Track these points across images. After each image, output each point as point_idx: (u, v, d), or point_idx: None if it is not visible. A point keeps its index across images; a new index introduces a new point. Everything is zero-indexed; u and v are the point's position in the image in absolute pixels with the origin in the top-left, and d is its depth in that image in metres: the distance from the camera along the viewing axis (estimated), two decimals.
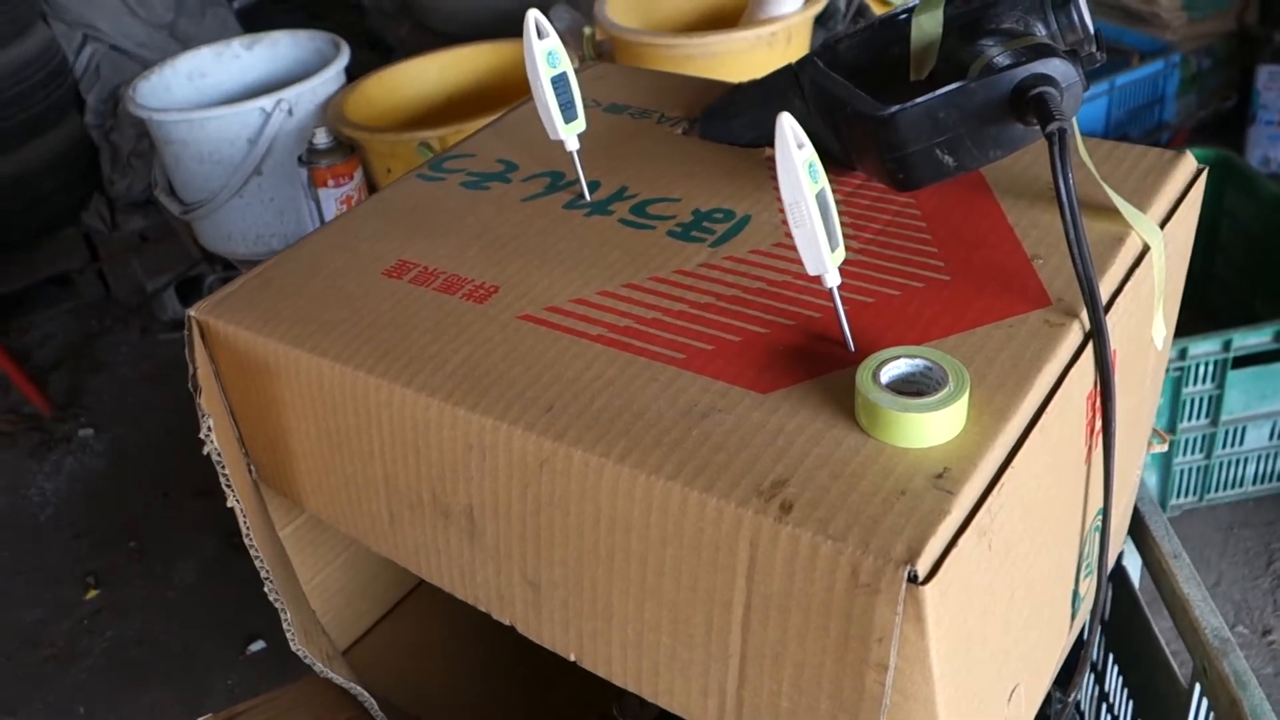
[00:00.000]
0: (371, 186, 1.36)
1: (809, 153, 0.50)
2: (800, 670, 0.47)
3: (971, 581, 0.46)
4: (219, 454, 0.60)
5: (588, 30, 1.39)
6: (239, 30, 2.33)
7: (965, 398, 0.48)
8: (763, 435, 0.49)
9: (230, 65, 1.66)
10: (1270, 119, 2.03)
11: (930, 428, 0.47)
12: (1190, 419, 1.39)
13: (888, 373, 0.49)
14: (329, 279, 0.65)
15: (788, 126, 0.49)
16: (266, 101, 1.43)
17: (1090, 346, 0.54)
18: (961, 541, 0.44)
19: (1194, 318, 1.71)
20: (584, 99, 0.80)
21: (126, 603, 1.55)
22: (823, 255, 0.51)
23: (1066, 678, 1.00)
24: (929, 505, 0.45)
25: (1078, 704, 0.99)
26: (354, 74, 1.52)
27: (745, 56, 1.30)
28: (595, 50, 1.40)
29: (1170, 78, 2.06)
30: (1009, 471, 0.47)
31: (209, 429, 0.60)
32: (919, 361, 0.50)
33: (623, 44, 1.35)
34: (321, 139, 1.31)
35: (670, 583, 0.50)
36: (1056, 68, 0.55)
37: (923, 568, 0.43)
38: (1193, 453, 1.42)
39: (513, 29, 0.72)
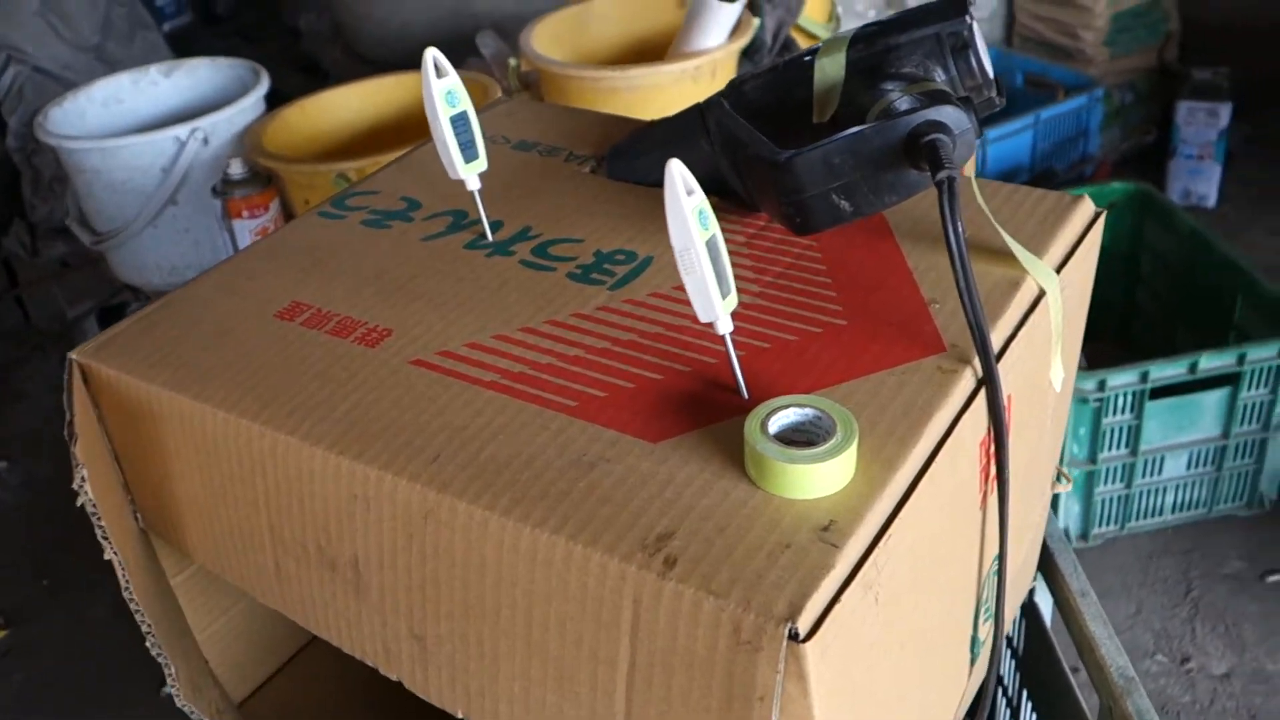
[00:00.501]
0: (289, 218, 1.34)
1: (699, 199, 0.49)
2: None
3: (857, 636, 0.45)
4: (94, 505, 0.58)
5: (513, 61, 1.38)
6: (168, 54, 2.29)
7: (853, 447, 0.47)
8: (651, 486, 0.48)
9: (148, 92, 1.63)
10: (1190, 153, 2.08)
11: (817, 478, 0.47)
12: (1110, 449, 1.40)
13: (776, 422, 0.49)
14: (217, 321, 0.63)
15: (676, 173, 0.49)
16: (181, 130, 1.41)
17: (983, 393, 0.53)
18: (845, 596, 0.43)
19: (1116, 349, 1.74)
20: (493, 135, 0.80)
21: (38, 642, 1.50)
22: (713, 302, 0.50)
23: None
24: (813, 559, 0.44)
25: None
26: (288, 99, 1.50)
27: (671, 90, 1.30)
28: (521, 81, 1.40)
29: (1094, 112, 2.10)
30: (897, 522, 0.47)
31: (83, 479, 0.57)
32: (808, 410, 0.49)
33: (547, 75, 1.35)
34: (236, 169, 1.28)
35: (555, 639, 0.49)
36: (949, 115, 0.55)
37: (804, 624, 0.42)
38: (1113, 482, 1.44)
39: None
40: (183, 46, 2.50)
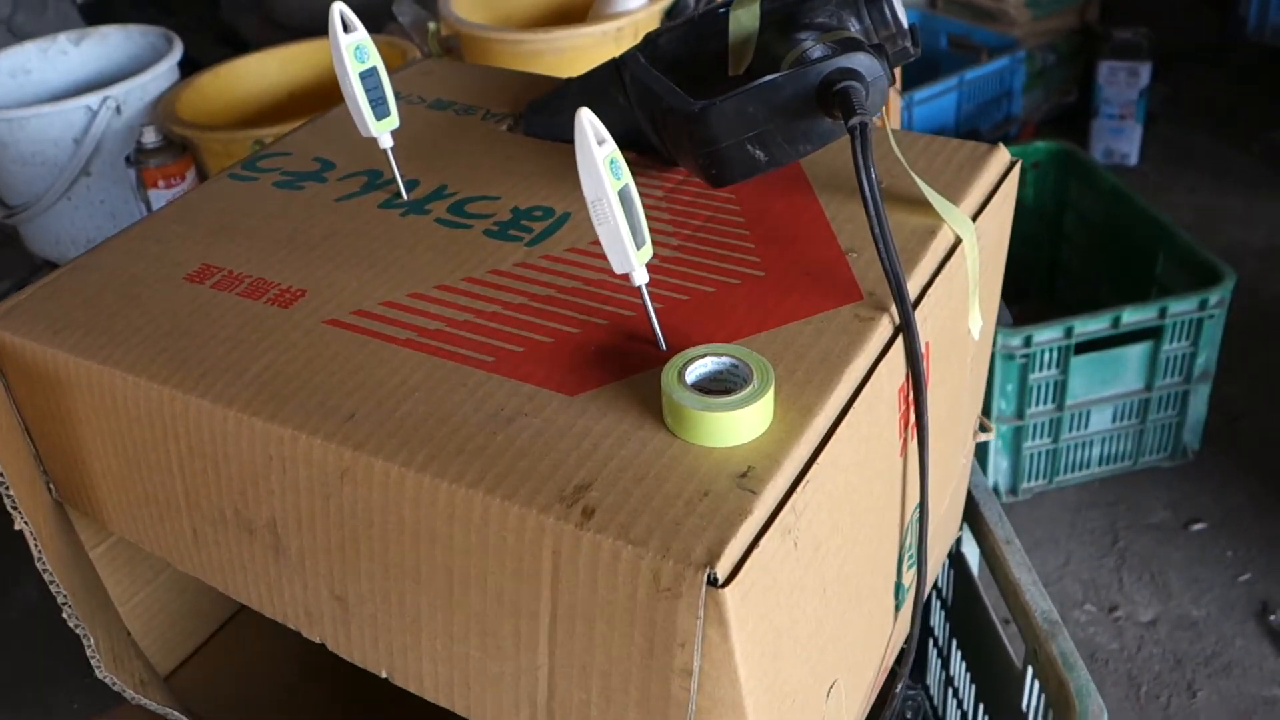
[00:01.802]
0: None
1: (610, 148, 0.49)
2: (608, 680, 0.46)
3: (777, 581, 0.45)
4: (1, 475, 0.56)
5: (432, 25, 1.36)
6: (82, 25, 2.22)
7: (770, 394, 0.47)
8: (568, 439, 0.48)
9: (57, 62, 1.58)
10: (1111, 113, 2.11)
11: (734, 426, 0.47)
12: (1037, 404, 1.43)
13: (693, 371, 0.49)
14: (125, 285, 0.61)
15: (586, 122, 0.48)
16: (92, 99, 1.36)
17: (900, 340, 0.54)
18: (764, 541, 0.44)
19: (1042, 307, 1.76)
20: (408, 95, 0.78)
21: None
22: (628, 253, 0.50)
23: (917, 667, 1.02)
24: (731, 506, 0.44)
25: (926, 688, 1.01)
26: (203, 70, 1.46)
27: (593, 52, 1.29)
28: (441, 46, 1.37)
29: (1016, 73, 2.12)
30: (815, 467, 0.47)
31: None
32: (725, 359, 0.49)
33: (469, 39, 1.33)
34: (150, 138, 1.25)
35: (476, 594, 0.48)
36: (862, 62, 0.55)
37: (723, 570, 0.42)
38: (1041, 437, 1.46)
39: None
40: (99, 19, 2.43)
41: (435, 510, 0.48)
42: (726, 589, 0.42)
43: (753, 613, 0.44)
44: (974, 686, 0.89)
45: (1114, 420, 1.47)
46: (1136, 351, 1.41)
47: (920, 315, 0.55)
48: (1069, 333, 1.36)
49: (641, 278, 0.51)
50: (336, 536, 0.52)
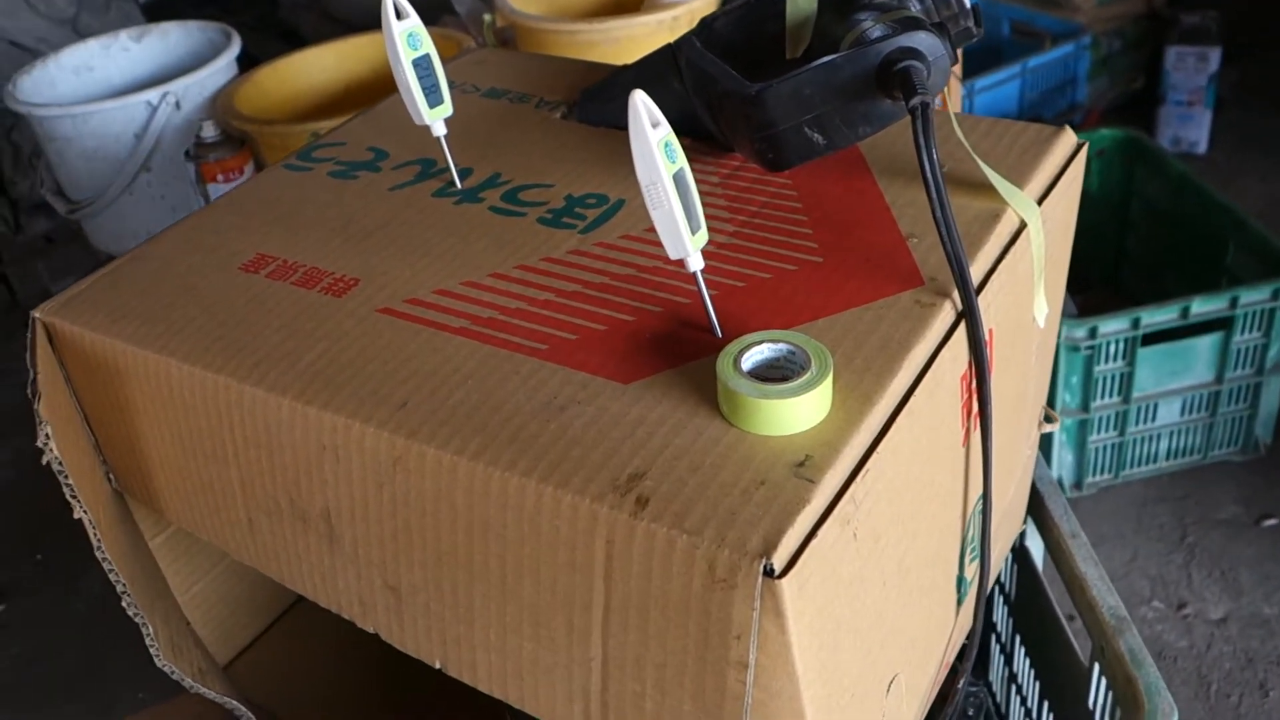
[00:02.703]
0: None
1: (665, 131, 0.48)
2: (662, 671, 0.45)
3: (836, 572, 0.44)
4: (60, 463, 0.57)
5: (488, 17, 1.36)
6: (144, 24, 2.26)
7: (828, 382, 0.46)
8: (622, 427, 0.47)
9: (119, 58, 1.60)
10: (1179, 99, 2.06)
11: (791, 414, 0.45)
12: (1103, 397, 1.39)
13: (749, 359, 0.48)
14: (182, 276, 0.62)
15: (640, 104, 0.47)
16: (152, 94, 1.38)
17: (963, 326, 0.52)
18: (822, 531, 0.42)
19: (1107, 296, 1.72)
20: (462, 84, 0.78)
21: (32, 617, 1.49)
22: (683, 238, 0.49)
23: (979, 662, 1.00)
24: (788, 495, 0.43)
25: (989, 685, 0.99)
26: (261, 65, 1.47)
27: (648, 41, 1.28)
28: (497, 38, 1.37)
29: (1081, 60, 2.08)
30: (875, 456, 0.46)
31: (47, 436, 0.56)
32: (782, 346, 0.48)
33: (524, 31, 1.33)
34: (209, 132, 1.26)
35: (529, 584, 0.48)
36: (923, 41, 0.54)
37: (780, 560, 0.41)
38: (1107, 430, 1.43)
39: None
40: (161, 19, 2.46)
41: (488, 499, 0.47)
42: (783, 580, 0.41)
43: (810, 604, 0.42)
44: (1038, 683, 0.87)
45: (1182, 413, 1.43)
46: (1206, 343, 1.37)
47: (983, 301, 0.53)
48: (1136, 324, 1.33)
49: (697, 263, 0.50)
50: (389, 526, 0.51)
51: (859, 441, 0.46)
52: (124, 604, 0.60)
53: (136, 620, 0.61)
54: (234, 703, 0.66)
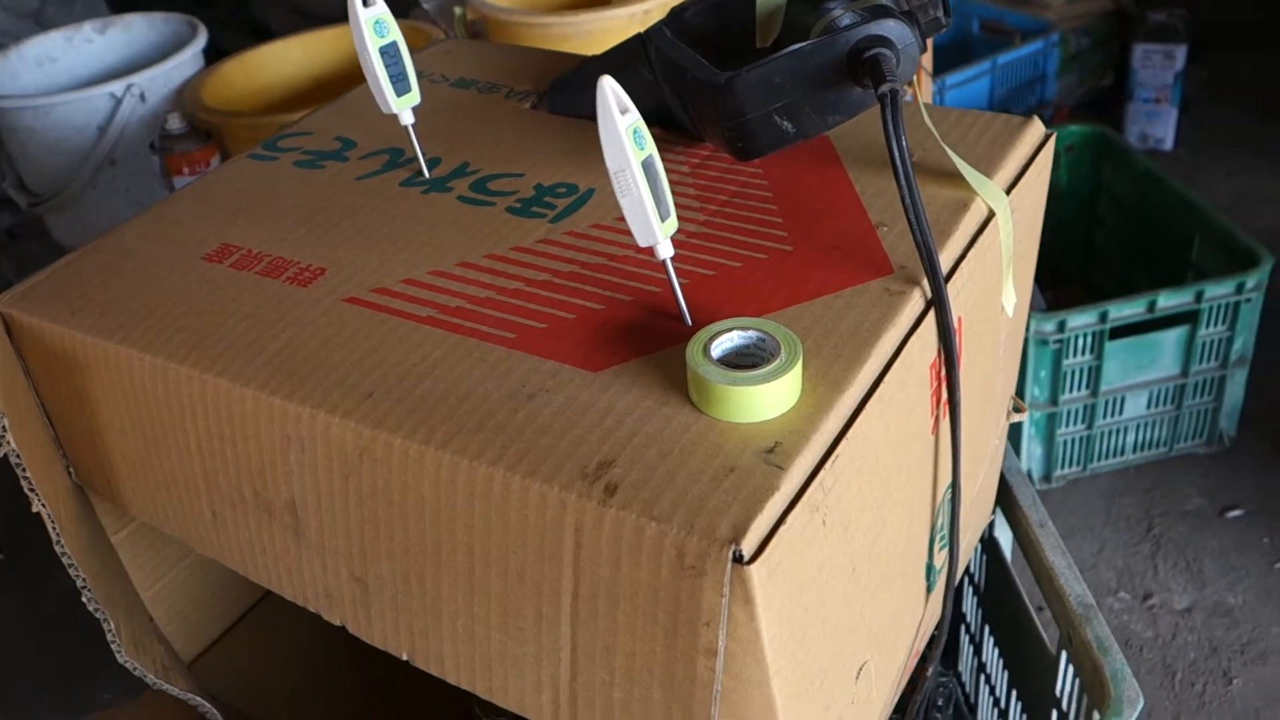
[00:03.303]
0: None
1: (633, 117, 0.48)
2: (632, 659, 0.45)
3: (805, 558, 0.44)
4: (18, 456, 0.56)
5: (459, 10, 1.35)
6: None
7: (797, 369, 0.46)
8: (591, 415, 0.47)
9: (82, 50, 1.58)
10: (1146, 96, 2.07)
11: (761, 401, 0.45)
12: (1071, 390, 1.40)
13: (719, 346, 0.47)
14: (144, 266, 0.61)
15: (609, 89, 0.47)
16: (116, 86, 1.36)
17: (932, 314, 0.52)
18: (791, 518, 0.42)
19: (1076, 292, 1.74)
20: (430, 74, 0.77)
21: None
22: (652, 225, 0.49)
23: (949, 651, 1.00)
24: (757, 481, 0.43)
25: (958, 675, 0.99)
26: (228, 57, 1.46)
27: (620, 34, 1.27)
28: (468, 31, 1.37)
29: (1050, 57, 2.09)
30: (844, 443, 0.45)
31: (3, 429, 0.55)
32: (751, 333, 0.48)
33: (495, 23, 1.32)
34: (175, 124, 1.25)
35: (498, 574, 0.47)
36: (892, 29, 0.54)
37: (749, 547, 0.41)
38: (1075, 423, 1.44)
39: None
40: (126, 11, 2.44)
41: (455, 489, 0.47)
42: (752, 566, 0.40)
43: (779, 591, 0.42)
44: (1006, 673, 0.88)
45: (1149, 406, 1.44)
46: (1172, 336, 1.38)
47: (952, 289, 0.53)
48: (1104, 317, 1.34)
49: (666, 250, 0.50)
50: (356, 516, 0.51)
51: (828, 428, 0.46)
52: (84, 599, 0.59)
53: (98, 616, 0.60)
54: (198, 699, 0.65)
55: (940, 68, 1.92)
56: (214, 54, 1.55)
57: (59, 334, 0.58)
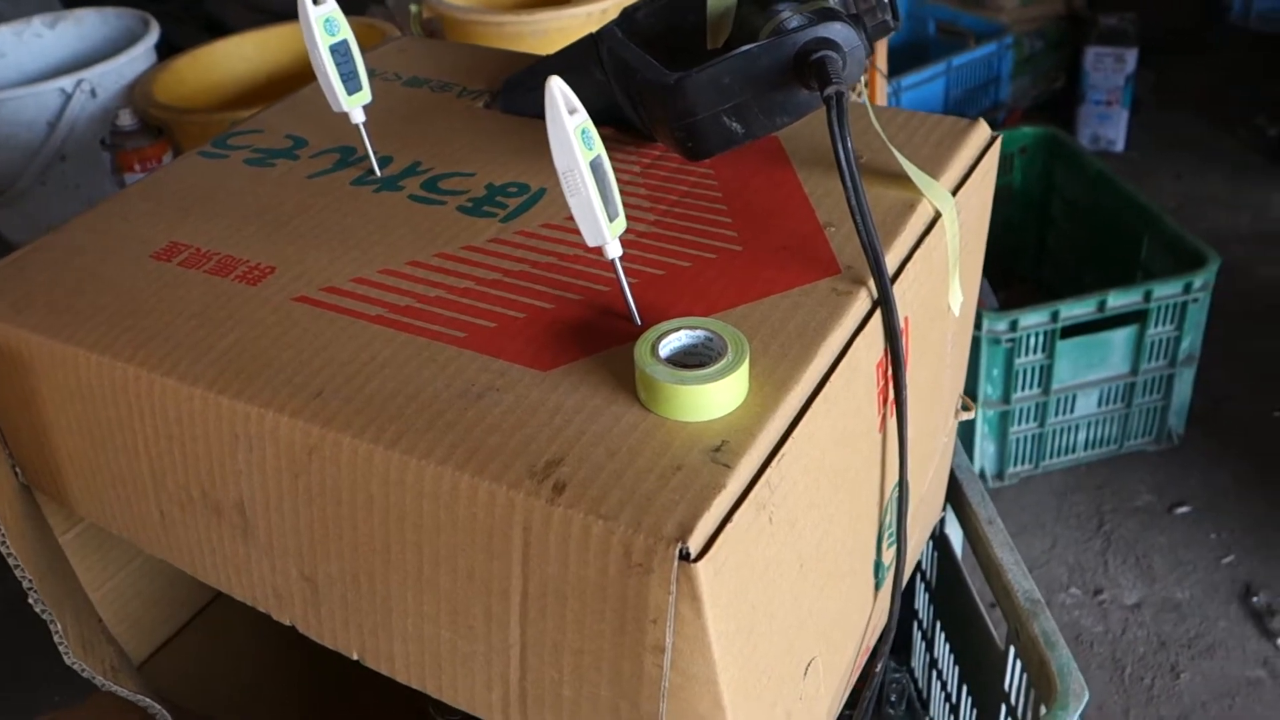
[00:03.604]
0: None
1: (581, 118, 0.48)
2: (580, 657, 0.45)
3: (751, 556, 0.44)
4: None
5: (414, 8, 1.35)
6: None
7: (744, 367, 0.46)
8: (540, 414, 0.47)
9: (31, 44, 1.55)
10: (1098, 99, 2.10)
11: (708, 400, 0.46)
12: (1023, 389, 1.42)
13: (667, 345, 0.48)
14: (91, 264, 0.60)
15: (557, 90, 0.47)
16: (66, 81, 1.34)
17: (879, 314, 0.53)
18: (738, 516, 0.43)
19: (1028, 291, 1.76)
20: (383, 72, 0.77)
21: None
22: (600, 225, 0.49)
23: (903, 647, 1.02)
24: (704, 480, 0.43)
25: (910, 670, 1.00)
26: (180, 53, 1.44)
27: (576, 34, 1.26)
28: (424, 29, 1.36)
29: (1004, 59, 2.12)
30: (790, 442, 0.46)
31: None
32: (699, 333, 0.48)
33: (451, 22, 1.32)
34: (126, 120, 1.23)
35: (447, 572, 0.47)
36: (838, 32, 0.54)
37: (695, 544, 0.41)
38: (1027, 422, 1.45)
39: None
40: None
41: (404, 487, 0.47)
42: (699, 564, 0.41)
43: (726, 588, 0.43)
44: (957, 668, 0.89)
45: (1100, 404, 1.46)
46: (1122, 336, 1.41)
47: (899, 289, 0.54)
48: (1055, 317, 1.36)
49: (615, 250, 0.50)
50: (305, 516, 0.51)
51: (775, 427, 0.46)
52: (30, 600, 0.59)
53: (44, 617, 0.59)
54: (148, 700, 0.65)
55: (896, 69, 1.94)
56: (167, 49, 1.54)
57: (4, 332, 0.57)
